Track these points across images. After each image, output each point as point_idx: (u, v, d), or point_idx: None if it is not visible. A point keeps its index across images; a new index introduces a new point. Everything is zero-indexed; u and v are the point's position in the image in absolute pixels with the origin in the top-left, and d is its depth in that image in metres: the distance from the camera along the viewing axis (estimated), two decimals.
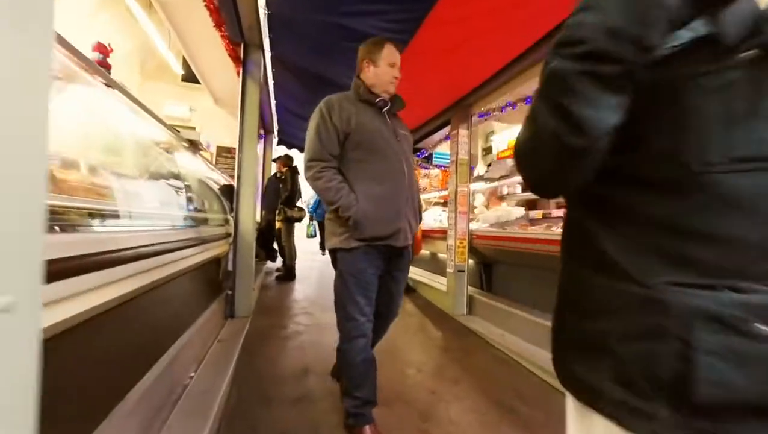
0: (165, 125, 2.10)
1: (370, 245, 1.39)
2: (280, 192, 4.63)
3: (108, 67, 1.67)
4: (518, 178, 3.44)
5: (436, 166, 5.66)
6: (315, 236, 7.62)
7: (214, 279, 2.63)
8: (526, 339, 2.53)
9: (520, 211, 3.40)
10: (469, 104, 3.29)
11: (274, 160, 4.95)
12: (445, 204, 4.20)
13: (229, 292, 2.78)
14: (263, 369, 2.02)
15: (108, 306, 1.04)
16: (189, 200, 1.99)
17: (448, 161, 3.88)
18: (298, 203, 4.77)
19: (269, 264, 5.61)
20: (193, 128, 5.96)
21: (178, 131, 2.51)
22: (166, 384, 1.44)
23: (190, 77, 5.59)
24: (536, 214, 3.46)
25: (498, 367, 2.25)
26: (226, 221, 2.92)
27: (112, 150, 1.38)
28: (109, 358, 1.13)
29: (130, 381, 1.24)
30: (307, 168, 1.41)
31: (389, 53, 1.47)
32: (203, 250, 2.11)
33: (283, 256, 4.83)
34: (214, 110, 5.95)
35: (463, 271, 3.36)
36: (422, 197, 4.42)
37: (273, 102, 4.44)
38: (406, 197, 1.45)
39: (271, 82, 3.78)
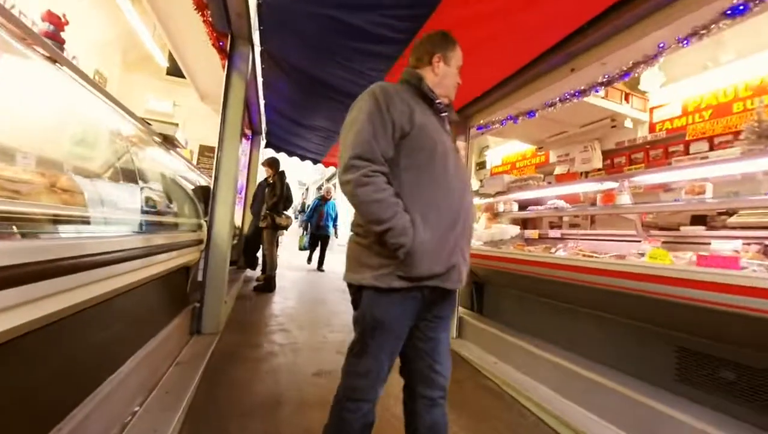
0: (131, 115, 1.86)
1: (417, 287, 1.05)
2: (266, 198, 4.39)
3: (61, 42, 1.43)
4: (514, 195, 3.30)
5: None
6: (307, 248, 7.03)
7: (179, 290, 2.36)
8: (520, 370, 2.33)
9: (516, 229, 3.25)
10: (468, 115, 3.15)
11: (263, 164, 4.72)
12: None
13: (197, 305, 2.50)
14: (226, 400, 1.76)
15: (28, 328, 0.82)
16: (150, 201, 1.74)
17: None
18: (287, 211, 4.53)
19: (249, 272, 5.32)
20: (176, 124, 5.68)
21: (150, 124, 2.27)
22: (97, 423, 1.17)
23: (175, 71, 5.33)
24: (532, 234, 3.32)
25: (491, 402, 2.04)
26: (199, 226, 2.65)
27: (51, 138, 1.15)
28: (24, 391, 0.89)
29: (49, 420, 0.98)
30: (350, 168, 1.01)
31: (460, 55, 1.24)
32: (167, 258, 1.86)
33: (263, 265, 4.55)
34: (199, 106, 5.66)
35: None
36: None
37: (262, 101, 4.21)
38: (464, 224, 1.13)
39: (260, 79, 3.56)
